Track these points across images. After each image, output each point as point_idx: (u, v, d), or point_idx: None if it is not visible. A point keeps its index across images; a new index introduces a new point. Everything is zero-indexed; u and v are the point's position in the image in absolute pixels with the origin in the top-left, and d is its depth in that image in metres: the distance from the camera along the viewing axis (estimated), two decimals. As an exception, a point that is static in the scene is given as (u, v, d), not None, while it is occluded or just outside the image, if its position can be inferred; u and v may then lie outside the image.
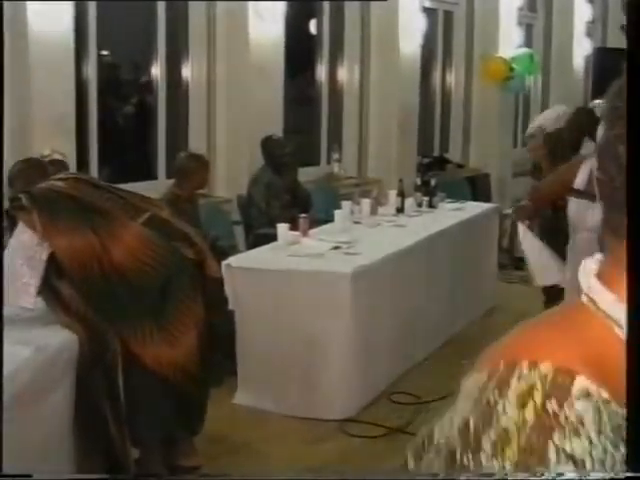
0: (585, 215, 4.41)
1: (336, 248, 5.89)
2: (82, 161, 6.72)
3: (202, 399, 4.46)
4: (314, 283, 5.38)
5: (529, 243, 4.99)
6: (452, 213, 7.70)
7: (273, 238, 6.03)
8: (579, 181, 4.52)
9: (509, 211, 10.10)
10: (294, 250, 5.79)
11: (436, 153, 10.67)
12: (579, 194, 4.51)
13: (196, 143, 7.58)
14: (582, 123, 6.70)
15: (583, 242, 4.45)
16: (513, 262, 9.73)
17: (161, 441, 4.33)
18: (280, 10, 7.84)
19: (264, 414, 5.31)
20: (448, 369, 6.34)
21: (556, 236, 6.67)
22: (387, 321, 5.83)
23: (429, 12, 9.87)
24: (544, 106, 12.27)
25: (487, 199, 10.12)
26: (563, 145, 6.74)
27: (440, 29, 10.38)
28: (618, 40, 13.30)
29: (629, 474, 0.79)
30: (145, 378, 4.11)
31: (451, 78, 10.76)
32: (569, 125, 6.95)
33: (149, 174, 7.54)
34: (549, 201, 5.07)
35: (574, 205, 4.53)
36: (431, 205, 7.80)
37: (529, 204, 4.83)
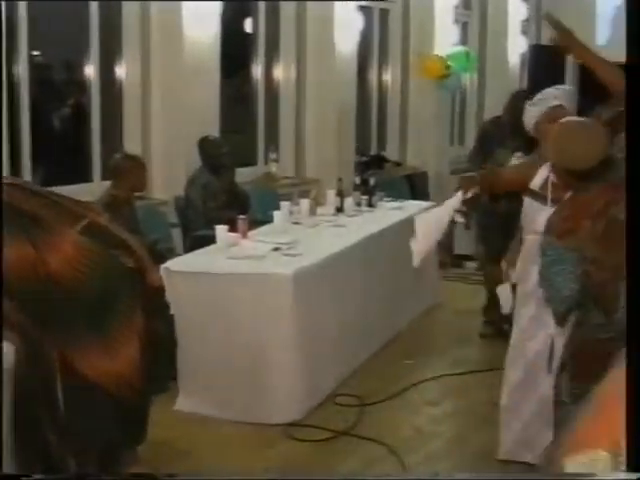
0: (535, 217, 4.39)
1: (276, 250, 5.81)
2: (15, 164, 6.57)
3: (144, 409, 4.36)
4: (255, 286, 5.29)
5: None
6: (392, 212, 7.66)
7: (211, 240, 5.93)
8: (536, 182, 4.50)
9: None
10: (233, 252, 5.70)
11: (373, 152, 10.64)
12: (533, 194, 4.48)
13: (131, 144, 7.45)
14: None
15: (529, 244, 4.43)
16: (453, 260, 9.77)
17: (103, 451, 4.22)
18: (215, 9, 7.73)
19: (208, 420, 5.22)
20: (392, 369, 6.33)
21: (493, 232, 6.68)
22: (330, 322, 5.76)
23: (365, 10, 9.84)
24: (480, 104, 12.34)
25: (425, 197, 10.11)
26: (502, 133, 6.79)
27: (376, 27, 10.36)
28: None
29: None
30: (86, 389, 4.00)
31: (387, 76, 10.74)
32: (507, 110, 6.98)
33: (84, 176, 7.38)
34: (501, 189, 5.05)
35: (528, 204, 4.50)
36: (370, 204, 7.76)
37: (476, 177, 4.78)
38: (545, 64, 11.89)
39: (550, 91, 4.98)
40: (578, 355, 3.69)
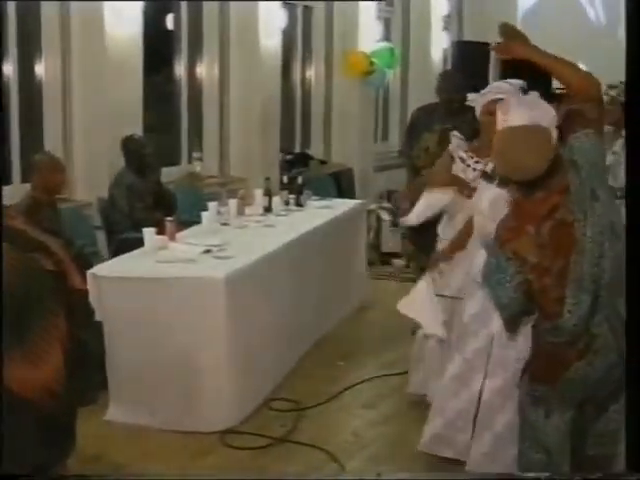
0: (481, 195, 4.44)
1: (206, 252, 5.67)
2: None
3: (71, 420, 4.18)
4: (186, 290, 5.13)
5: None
6: (320, 211, 7.58)
7: (138, 243, 5.77)
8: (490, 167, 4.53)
9: (374, 207, 10.14)
10: (163, 256, 5.54)
11: (298, 150, 10.55)
12: (485, 175, 4.50)
13: (52, 144, 7.21)
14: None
15: (476, 225, 4.48)
16: (380, 258, 9.74)
17: (31, 467, 4.03)
18: (137, 5, 7.54)
19: (141, 430, 5.05)
20: (326, 371, 6.24)
21: (421, 228, 6.64)
22: (263, 325, 5.63)
23: (289, 7, 9.73)
24: (403, 100, 12.33)
25: (351, 195, 10.07)
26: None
27: (300, 24, 10.26)
28: (474, 33, 13.50)
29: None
30: (12, 402, 3.80)
31: (311, 73, 10.65)
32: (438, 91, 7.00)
33: (3, 179, 7.12)
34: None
35: (481, 184, 4.51)
36: (299, 203, 7.66)
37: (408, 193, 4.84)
38: (468, 60, 11.94)
39: (498, 85, 4.98)
40: (536, 357, 3.64)
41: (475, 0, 13.84)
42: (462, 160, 5.23)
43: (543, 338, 3.55)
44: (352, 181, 10.69)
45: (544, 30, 13.05)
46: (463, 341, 4.53)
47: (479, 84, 5.53)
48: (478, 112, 4.97)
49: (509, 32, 3.86)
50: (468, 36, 13.56)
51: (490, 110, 4.73)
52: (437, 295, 5.05)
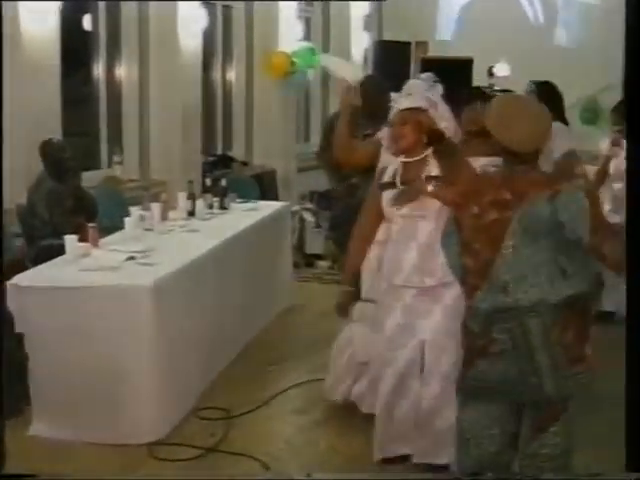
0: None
1: (131, 259, 5.52)
2: None
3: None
4: (111, 299, 4.99)
5: None
6: (245, 213, 7.48)
7: (59, 249, 5.60)
8: (389, 173, 4.51)
9: (297, 208, 10.09)
10: (86, 264, 5.38)
11: (220, 151, 10.43)
12: (385, 186, 4.48)
13: (-34, 150, 6.97)
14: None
15: (402, 227, 4.48)
16: (305, 260, 9.68)
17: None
18: (54, 5, 7.34)
19: (66, 445, 4.89)
20: (255, 377, 6.15)
21: (345, 228, 6.58)
22: (189, 333, 5.51)
23: (208, 7, 9.60)
24: (324, 100, 12.29)
25: (274, 196, 10.00)
26: None
27: (220, 25, 10.14)
28: (394, 33, 13.55)
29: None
30: None
31: (232, 74, 10.53)
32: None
33: None
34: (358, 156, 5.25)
35: (385, 197, 4.48)
36: (223, 206, 7.55)
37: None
38: (389, 59, 12.00)
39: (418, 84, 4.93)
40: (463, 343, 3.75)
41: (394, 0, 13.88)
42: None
43: (465, 321, 3.67)
44: (275, 182, 10.62)
45: (481, 26, 13.22)
46: (392, 355, 4.48)
47: (401, 83, 5.51)
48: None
49: None
50: (388, 36, 13.60)
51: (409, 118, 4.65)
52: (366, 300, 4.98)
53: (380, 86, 6.93)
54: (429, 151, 4.37)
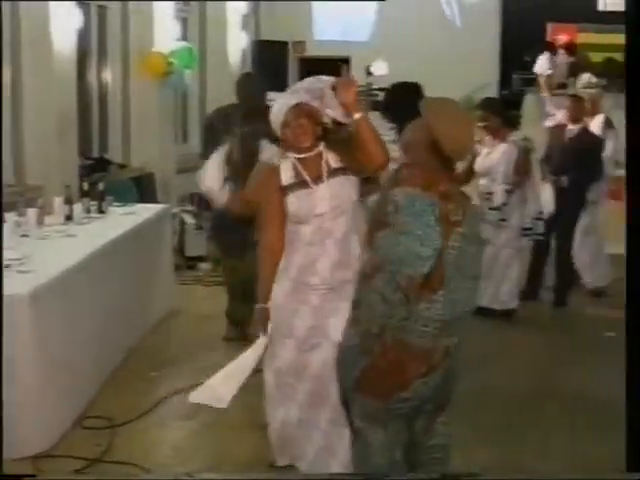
0: (306, 204, 4.37)
1: (6, 267, 5.35)
2: None
3: None
4: (-14, 309, 4.83)
5: None
6: (124, 217, 7.35)
7: None
8: (286, 177, 4.41)
9: (177, 210, 9.97)
10: (-40, 272, 5.19)
11: (96, 154, 10.22)
12: (292, 188, 4.40)
13: None
14: None
15: (310, 232, 4.38)
16: (186, 262, 9.58)
17: None
18: None
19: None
20: (139, 384, 6.05)
21: (228, 229, 6.54)
22: (70, 341, 5.38)
23: (83, 7, 9.39)
24: (202, 101, 12.19)
25: (153, 199, 9.86)
26: None
27: (94, 24, 9.93)
28: (271, 32, 13.55)
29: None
30: None
31: (108, 75, 10.34)
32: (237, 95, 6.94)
33: None
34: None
35: (292, 201, 4.38)
36: (101, 210, 7.41)
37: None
38: (267, 59, 11.99)
39: (302, 85, 4.91)
40: (375, 372, 3.67)
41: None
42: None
43: (396, 337, 3.54)
44: (153, 185, 10.47)
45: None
46: (303, 357, 4.42)
47: (279, 82, 5.47)
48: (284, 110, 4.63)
49: None
50: (265, 35, 13.59)
51: (301, 112, 4.66)
52: None
53: (257, 84, 6.91)
54: (322, 144, 4.37)
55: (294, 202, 4.35)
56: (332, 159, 4.36)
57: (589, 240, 8.83)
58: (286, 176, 4.39)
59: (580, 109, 8.39)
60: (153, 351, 6.78)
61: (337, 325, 4.19)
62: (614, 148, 8.68)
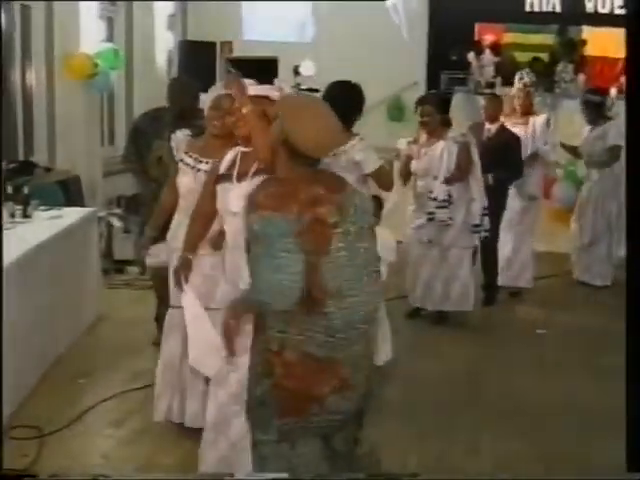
0: (225, 197, 4.30)
1: None
2: None
3: None
4: None
5: None
6: (50, 222, 7.20)
7: None
8: (223, 166, 4.39)
9: (104, 214, 9.82)
10: None
11: (21, 157, 10.02)
12: (222, 178, 4.36)
13: None
14: None
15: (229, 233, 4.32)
16: (114, 266, 9.45)
17: None
18: None
19: None
20: (66, 391, 5.93)
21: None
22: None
23: (5, 6, 9.18)
24: (129, 102, 12.03)
25: (80, 202, 9.68)
26: None
27: (18, 25, 9.71)
28: (199, 32, 13.43)
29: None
30: None
31: (32, 77, 10.13)
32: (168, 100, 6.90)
33: None
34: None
35: (220, 191, 4.35)
36: (26, 215, 7.24)
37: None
38: (194, 60, 11.86)
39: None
40: (283, 391, 3.50)
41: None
42: (187, 164, 5.10)
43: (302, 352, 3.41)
44: (80, 188, 10.28)
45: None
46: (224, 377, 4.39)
47: (207, 83, 5.49)
48: (206, 108, 4.98)
49: None
50: (192, 35, 13.47)
51: (217, 104, 4.87)
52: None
53: (188, 87, 6.86)
54: None
55: (218, 193, 4.36)
56: None
57: (527, 239, 8.94)
58: (224, 166, 4.36)
59: (497, 108, 8.47)
60: (81, 357, 6.66)
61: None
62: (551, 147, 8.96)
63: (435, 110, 7.55)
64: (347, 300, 3.34)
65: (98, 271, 8.05)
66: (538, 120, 8.85)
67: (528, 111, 8.88)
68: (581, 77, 12.61)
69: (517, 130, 8.54)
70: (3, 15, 8.76)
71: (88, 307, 7.52)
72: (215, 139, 5.03)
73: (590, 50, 13.47)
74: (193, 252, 4.72)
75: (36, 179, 9.37)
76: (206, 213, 4.58)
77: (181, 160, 5.12)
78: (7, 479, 2.77)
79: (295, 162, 3.36)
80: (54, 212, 7.58)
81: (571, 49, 13.16)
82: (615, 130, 9.00)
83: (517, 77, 9.00)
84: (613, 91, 11.37)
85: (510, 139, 8.35)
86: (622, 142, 8.61)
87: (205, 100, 5.03)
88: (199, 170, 5.00)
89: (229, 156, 4.35)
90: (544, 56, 13.36)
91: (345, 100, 5.69)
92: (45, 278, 6.34)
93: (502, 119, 8.50)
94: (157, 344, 6.85)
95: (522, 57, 13.51)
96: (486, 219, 7.61)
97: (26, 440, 5.09)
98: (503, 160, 8.04)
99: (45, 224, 7.10)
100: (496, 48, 13.67)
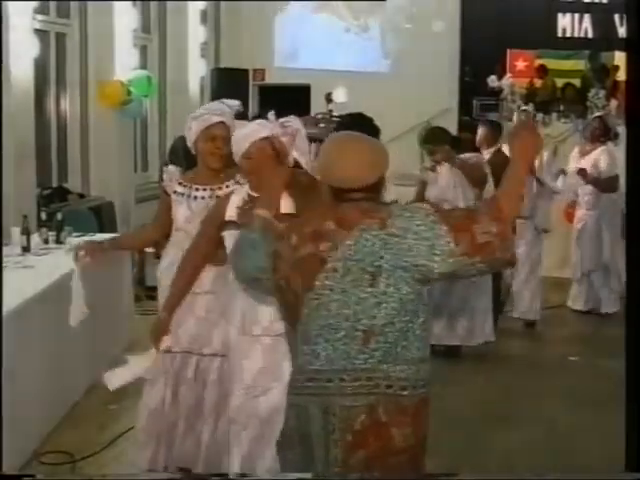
0: None
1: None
2: None
3: None
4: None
5: None
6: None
7: None
8: (231, 210, 4.29)
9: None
10: None
11: (55, 183, 10.11)
12: (234, 225, 4.25)
13: None
14: None
15: None
16: (146, 292, 9.45)
17: None
18: None
19: None
20: (97, 417, 5.94)
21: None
22: (27, 375, 5.27)
23: (41, 34, 9.30)
24: (162, 129, 12.13)
25: (113, 228, 9.74)
26: None
27: (53, 52, 9.84)
28: (231, 60, 13.53)
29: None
30: None
31: (66, 104, 10.24)
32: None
33: None
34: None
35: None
36: (59, 241, 7.31)
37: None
38: (227, 87, 11.93)
39: (213, 106, 4.84)
40: None
41: (231, 27, 13.87)
42: (181, 194, 4.85)
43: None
44: (113, 214, 10.36)
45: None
46: (251, 402, 4.27)
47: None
48: (194, 137, 4.70)
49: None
50: (225, 63, 13.57)
51: (208, 136, 4.66)
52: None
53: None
54: None
55: (225, 239, 4.21)
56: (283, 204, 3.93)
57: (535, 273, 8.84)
58: (231, 209, 4.25)
59: (493, 134, 8.46)
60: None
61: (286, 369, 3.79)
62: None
63: (440, 145, 7.47)
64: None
65: (130, 298, 8.07)
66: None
67: None
68: (613, 103, 12.56)
69: None
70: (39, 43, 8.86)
71: (120, 334, 7.53)
72: (209, 169, 4.81)
73: (623, 75, 13.43)
74: (171, 311, 4.62)
75: (70, 205, 9.45)
76: (202, 255, 4.50)
77: (174, 192, 4.86)
78: (7, 479, 2.78)
79: (331, 194, 3.24)
80: (87, 238, 7.61)
81: (603, 75, 13.13)
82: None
83: (517, 106, 8.95)
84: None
85: (506, 160, 8.09)
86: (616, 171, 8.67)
87: (193, 130, 4.75)
88: (195, 198, 4.80)
89: (235, 199, 4.25)
90: (576, 82, 13.34)
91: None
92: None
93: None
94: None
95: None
96: None
97: (58, 465, 5.11)
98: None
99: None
100: (527, 74, 13.68)
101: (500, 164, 8.13)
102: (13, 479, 2.64)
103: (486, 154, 8.31)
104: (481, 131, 8.50)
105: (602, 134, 9.11)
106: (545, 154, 8.64)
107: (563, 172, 9.16)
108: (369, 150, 3.25)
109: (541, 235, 8.86)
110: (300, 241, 3.12)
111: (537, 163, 8.41)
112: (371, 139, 3.38)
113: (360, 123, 5.93)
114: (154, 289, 9.30)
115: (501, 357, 7.76)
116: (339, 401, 3.05)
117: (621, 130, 9.49)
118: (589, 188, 9.14)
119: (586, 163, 9.07)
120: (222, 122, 4.66)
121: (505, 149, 8.32)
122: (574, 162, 9.18)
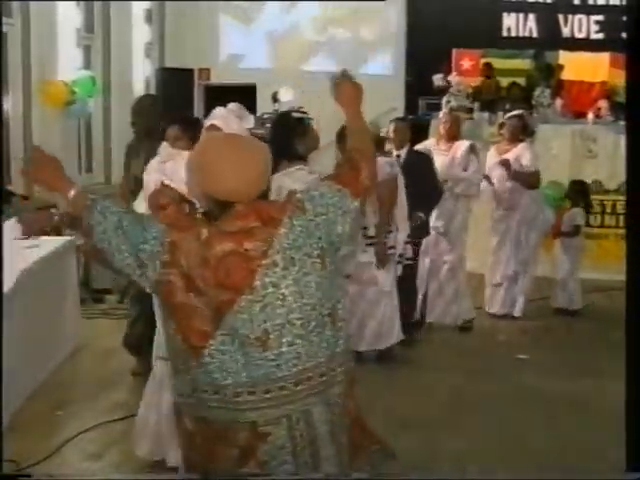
0: None
1: None
2: None
3: None
4: None
5: None
6: (26, 251, 7.12)
7: None
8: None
9: (81, 242, 9.72)
10: None
11: (-2, 186, 9.95)
12: None
13: None
14: None
15: None
16: (92, 295, 9.35)
17: None
18: None
19: None
20: (43, 424, 5.83)
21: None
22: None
23: (-20, 34, 9.17)
24: (106, 129, 12.00)
25: (57, 231, 9.60)
26: None
27: (-6, 51, 9.69)
28: (176, 59, 13.43)
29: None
30: None
31: (8, 105, 10.08)
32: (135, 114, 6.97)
33: None
34: None
35: None
36: (1, 244, 7.17)
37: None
38: (172, 87, 11.86)
39: (216, 111, 4.90)
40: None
41: (176, 27, 13.77)
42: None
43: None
44: (57, 216, 10.22)
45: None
46: None
47: (184, 109, 5.41)
48: None
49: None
50: (170, 63, 13.47)
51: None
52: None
53: (156, 104, 6.96)
54: None
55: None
56: None
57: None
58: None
59: (404, 132, 7.89)
60: (58, 389, 6.57)
61: None
62: (477, 169, 8.46)
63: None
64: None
65: (76, 300, 7.97)
66: (460, 146, 8.43)
67: (455, 136, 8.49)
68: (558, 102, 12.67)
69: (441, 157, 8.19)
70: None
71: (66, 337, 7.43)
72: None
73: (567, 75, 13.57)
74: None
75: (13, 208, 9.30)
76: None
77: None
78: (4, 479, 2.73)
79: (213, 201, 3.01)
80: (31, 241, 7.50)
81: (548, 74, 13.24)
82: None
83: (444, 101, 8.78)
84: (590, 116, 11.44)
85: (419, 159, 7.88)
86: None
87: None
88: None
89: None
90: (521, 81, 13.44)
91: (275, 130, 5.77)
92: (22, 308, 6.26)
93: (431, 143, 8.42)
94: (136, 374, 6.78)
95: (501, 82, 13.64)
96: (409, 247, 7.34)
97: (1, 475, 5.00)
98: (419, 182, 7.46)
99: (21, 253, 7.02)
100: (473, 73, 13.76)
101: (412, 163, 7.94)
102: (9, 479, 2.60)
103: (398, 156, 7.93)
104: (392, 131, 7.92)
105: (521, 132, 9.03)
106: (460, 149, 8.39)
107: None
108: (256, 159, 2.98)
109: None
110: (214, 238, 2.87)
111: (450, 156, 8.28)
112: (251, 140, 3.14)
113: (287, 125, 5.97)
114: (100, 292, 9.31)
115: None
116: (336, 390, 2.95)
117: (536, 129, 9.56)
118: (509, 185, 8.85)
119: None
120: (213, 125, 4.76)
121: (435, 150, 8.29)
122: (492, 160, 8.97)
